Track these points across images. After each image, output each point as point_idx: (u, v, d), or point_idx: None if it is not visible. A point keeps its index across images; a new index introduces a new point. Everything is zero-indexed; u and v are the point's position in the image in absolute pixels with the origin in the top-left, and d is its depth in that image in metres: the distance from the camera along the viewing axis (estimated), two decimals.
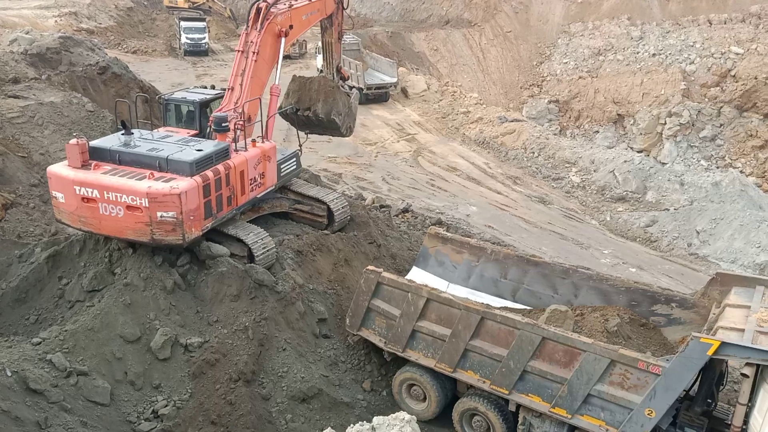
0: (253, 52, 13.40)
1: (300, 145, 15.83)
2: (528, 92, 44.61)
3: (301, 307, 12.39)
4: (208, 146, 12.14)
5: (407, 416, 7.61)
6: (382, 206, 21.55)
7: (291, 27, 14.27)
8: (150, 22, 51.13)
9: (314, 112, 15.54)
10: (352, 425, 7.71)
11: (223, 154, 12.16)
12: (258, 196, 13.39)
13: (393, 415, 7.67)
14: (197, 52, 43.67)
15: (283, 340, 11.83)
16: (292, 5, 14.39)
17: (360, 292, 12.20)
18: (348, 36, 34.59)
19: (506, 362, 10.76)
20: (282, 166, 14.21)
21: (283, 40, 14.11)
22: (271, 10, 13.72)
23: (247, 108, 13.26)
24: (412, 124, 34.15)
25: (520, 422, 11.06)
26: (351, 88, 18.13)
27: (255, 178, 13.06)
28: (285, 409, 11.19)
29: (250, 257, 12.48)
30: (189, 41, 43.67)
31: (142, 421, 10.38)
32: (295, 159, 14.98)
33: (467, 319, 11.06)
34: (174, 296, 11.71)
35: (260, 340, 11.60)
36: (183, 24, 44.71)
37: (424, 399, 12.03)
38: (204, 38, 44.19)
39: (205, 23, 45.77)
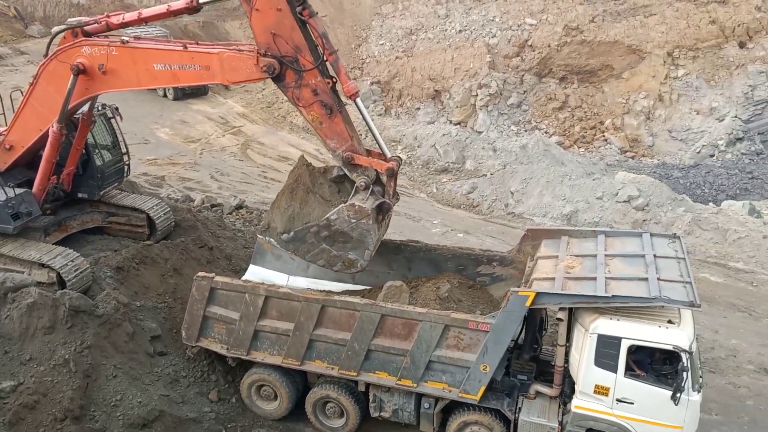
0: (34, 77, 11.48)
1: (127, 152, 14.48)
2: (350, 75, 45.31)
3: (129, 328, 11.49)
4: None
5: None
6: (213, 205, 20.67)
7: (104, 72, 10.80)
8: None
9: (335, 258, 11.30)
10: None
11: None
12: None
13: None
14: None
15: (112, 367, 10.90)
16: (125, 41, 10.86)
17: (193, 301, 11.59)
18: (154, 28, 32.44)
19: (351, 345, 10.88)
20: None
21: (74, 79, 10.88)
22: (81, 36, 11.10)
23: (13, 135, 11.76)
24: (236, 116, 33.07)
25: (371, 400, 11.31)
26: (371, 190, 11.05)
27: None
28: None
29: (61, 283, 11.29)
30: None
31: None
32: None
33: (308, 309, 10.99)
34: None
35: (85, 371, 10.59)
36: None
37: (275, 397, 11.82)
38: None
39: None
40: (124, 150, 14.24)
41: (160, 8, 11.13)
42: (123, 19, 11.26)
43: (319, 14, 10.44)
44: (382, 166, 10.75)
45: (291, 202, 11.63)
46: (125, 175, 14.50)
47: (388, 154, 11.01)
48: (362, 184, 10.80)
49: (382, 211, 11.00)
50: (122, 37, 11.11)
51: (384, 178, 10.94)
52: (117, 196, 14.22)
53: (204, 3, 10.68)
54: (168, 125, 30.20)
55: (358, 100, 10.63)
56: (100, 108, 13.31)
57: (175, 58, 10.63)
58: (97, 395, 10.60)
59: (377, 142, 11.11)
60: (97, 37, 11.24)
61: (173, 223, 14.51)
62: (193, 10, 10.67)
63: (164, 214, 14.16)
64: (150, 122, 29.58)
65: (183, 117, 31.20)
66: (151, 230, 14.02)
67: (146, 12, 11.17)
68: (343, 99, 10.85)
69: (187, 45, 10.74)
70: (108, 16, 11.33)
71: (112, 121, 13.94)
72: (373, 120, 11.22)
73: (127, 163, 14.34)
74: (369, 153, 11.13)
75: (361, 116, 11.06)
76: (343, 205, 10.78)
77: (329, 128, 10.62)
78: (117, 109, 13.93)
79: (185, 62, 10.57)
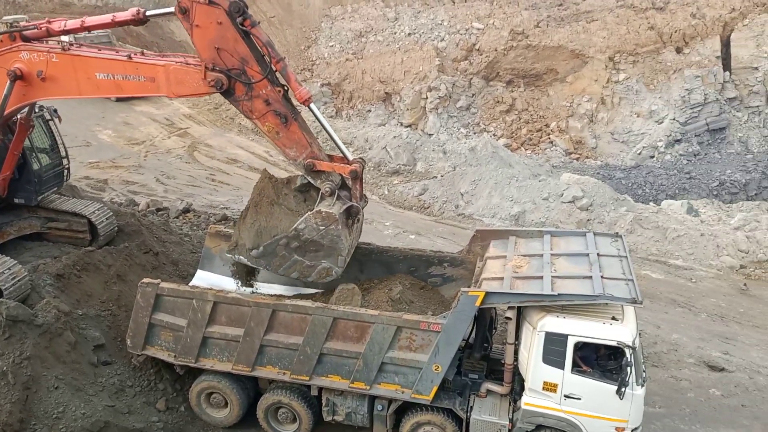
0: None
1: (66, 155, 13.90)
2: (300, 77, 45.00)
3: (71, 337, 11.05)
4: None
5: None
6: (158, 209, 20.15)
7: (43, 79, 10.34)
8: None
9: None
10: None
11: None
12: None
13: None
14: None
15: (53, 378, 10.45)
16: (66, 47, 10.37)
17: (138, 308, 11.25)
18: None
19: (303, 349, 10.78)
20: None
21: (11, 85, 10.34)
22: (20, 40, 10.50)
23: None
24: (182, 117, 32.34)
25: (324, 404, 11.22)
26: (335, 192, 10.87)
27: None
28: None
29: None
30: None
31: None
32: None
33: (258, 314, 10.82)
34: None
35: (24, 383, 10.11)
36: None
37: (226, 405, 11.59)
38: None
39: None
40: (63, 153, 13.73)
41: (105, 18, 10.78)
42: (64, 26, 10.77)
43: (260, 22, 10.31)
44: (345, 170, 10.66)
45: (256, 216, 11.33)
46: (65, 179, 13.99)
47: (350, 157, 10.92)
48: (327, 189, 10.64)
49: (351, 215, 10.86)
50: (63, 43, 10.69)
51: (349, 182, 10.84)
52: (56, 200, 13.71)
53: (151, 15, 10.39)
54: (110, 127, 29.31)
55: (312, 105, 10.48)
56: (37, 110, 12.79)
57: (119, 68, 10.30)
58: (37, 408, 10.16)
59: (337, 146, 10.99)
60: (37, 42, 10.78)
61: (116, 228, 14.08)
62: (139, 21, 10.36)
63: (106, 218, 13.73)
64: (92, 124, 28.63)
65: (126, 118, 30.32)
66: (93, 236, 13.57)
67: (90, 21, 10.77)
68: (297, 106, 10.72)
69: (132, 55, 10.39)
70: (49, 22, 10.87)
71: (51, 123, 13.43)
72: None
73: (66, 166, 13.84)
74: (331, 158, 11.00)
75: (317, 121, 10.95)
76: (309, 213, 10.57)
77: (286, 137, 10.46)
78: (56, 111, 13.41)
79: (129, 73, 10.26)
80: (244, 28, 9.87)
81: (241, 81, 10.05)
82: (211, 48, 9.87)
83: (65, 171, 13.85)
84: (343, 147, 11.00)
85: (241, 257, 11.31)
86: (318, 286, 12.12)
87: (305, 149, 10.56)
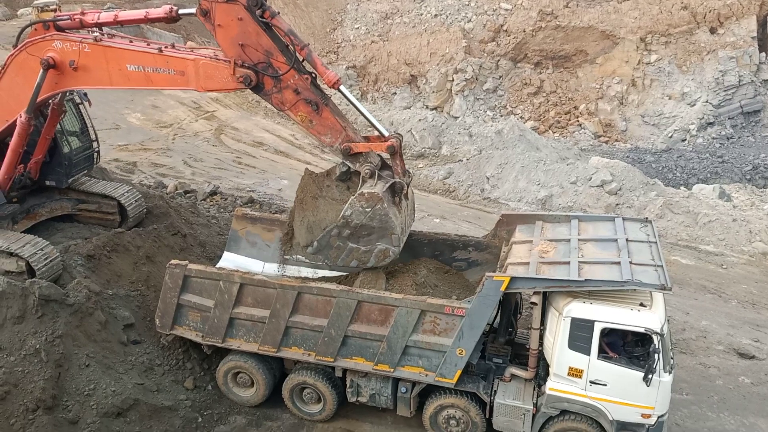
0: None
1: (96, 138, 14.14)
2: (326, 59, 44.85)
3: (102, 316, 11.30)
4: None
5: None
6: (186, 192, 20.37)
7: (75, 68, 10.50)
8: None
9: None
10: None
11: None
12: None
13: None
14: None
15: (84, 356, 10.74)
16: (99, 38, 10.50)
17: (166, 289, 11.44)
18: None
19: (327, 331, 10.86)
20: None
21: (44, 73, 10.47)
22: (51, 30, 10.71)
23: None
24: (209, 101, 32.51)
25: (348, 385, 11.33)
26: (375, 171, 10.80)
27: None
28: (98, 429, 10.25)
29: (30, 272, 11.04)
30: None
31: None
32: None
33: (284, 296, 10.93)
34: None
35: (57, 360, 10.42)
36: None
37: (252, 384, 11.78)
38: None
39: None
40: (93, 136, 13.91)
41: (138, 13, 10.93)
42: (98, 18, 10.93)
43: (284, 7, 10.33)
44: (382, 146, 10.56)
45: (303, 213, 11.34)
46: (95, 161, 14.20)
47: (386, 134, 10.81)
48: (367, 171, 10.58)
49: (396, 192, 10.74)
50: (95, 34, 10.82)
51: (389, 160, 10.76)
52: (87, 183, 13.92)
53: (184, 14, 10.51)
54: (139, 110, 29.61)
55: (342, 87, 10.41)
56: (68, 94, 12.99)
57: (149, 60, 10.39)
58: (69, 385, 10.45)
59: (371, 124, 10.89)
60: (69, 32, 10.94)
61: (145, 210, 14.26)
62: (171, 19, 10.51)
63: (135, 200, 13.91)
64: (121, 107, 28.97)
65: (154, 102, 30.58)
66: (122, 217, 13.76)
67: (123, 15, 10.96)
68: (326, 90, 10.69)
69: (163, 48, 10.49)
70: (83, 14, 11.03)
71: (81, 107, 13.61)
72: (348, 105, 11.10)
73: (96, 149, 14.03)
74: (367, 139, 10.93)
75: (350, 104, 10.86)
76: (353, 197, 10.55)
77: (320, 124, 10.45)
78: (86, 94, 13.58)
79: (159, 66, 10.36)
80: (265, 20, 9.87)
81: (269, 75, 10.07)
82: (235, 45, 9.92)
83: (95, 154, 14.05)
84: (377, 124, 10.90)
85: (299, 257, 11.33)
86: (322, 264, 11.96)
87: (340, 134, 10.52)
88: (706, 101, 35.15)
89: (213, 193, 20.97)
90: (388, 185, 10.60)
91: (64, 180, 13.21)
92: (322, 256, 11.12)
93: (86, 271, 11.91)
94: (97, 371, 10.71)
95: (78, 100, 13.48)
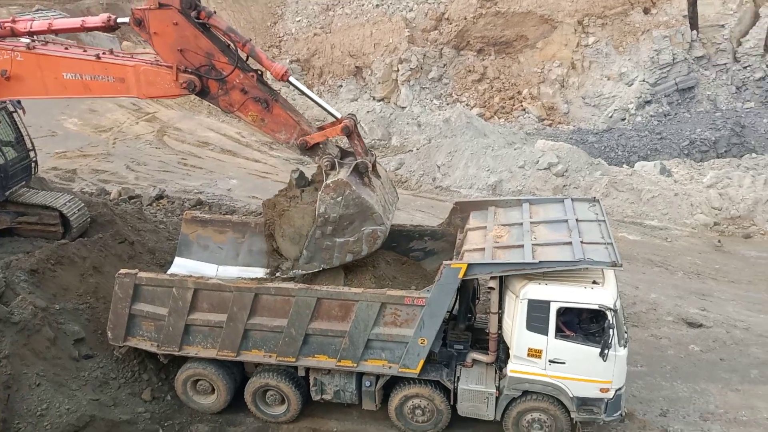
0: None
1: (33, 147, 13.47)
2: (269, 54, 44.15)
3: (50, 333, 10.87)
4: None
5: None
6: (131, 197, 19.77)
7: (8, 78, 10.03)
8: None
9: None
10: None
11: None
12: None
13: None
14: None
15: (34, 375, 10.30)
16: (32, 46, 10.10)
17: (117, 299, 11.08)
18: (54, 13, 30.33)
19: (288, 331, 10.75)
20: None
21: None
22: None
23: None
24: (149, 102, 31.38)
25: (311, 384, 11.26)
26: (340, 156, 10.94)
27: None
28: None
29: None
30: None
31: None
32: None
33: (241, 299, 10.74)
34: None
35: (4, 382, 9.97)
36: None
37: (213, 391, 11.56)
38: None
39: None
40: (29, 145, 13.36)
41: (74, 21, 10.49)
42: (30, 27, 10.39)
43: (217, 10, 10.10)
44: (337, 130, 10.39)
45: (281, 230, 11.07)
46: (33, 172, 13.62)
47: (339, 116, 10.64)
48: (326, 164, 10.41)
49: (362, 172, 10.51)
50: (27, 41, 10.30)
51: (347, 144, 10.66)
52: (26, 194, 13.40)
53: (122, 23, 10.08)
54: (76, 115, 28.52)
55: (291, 78, 10.22)
56: (0, 103, 12.37)
57: (87, 68, 10.01)
58: (20, 406, 10.02)
59: (324, 109, 10.77)
60: (0, 40, 10.39)
61: (89, 219, 13.80)
62: (109, 28, 10.12)
63: (78, 210, 13.45)
64: (56, 113, 27.81)
65: (92, 106, 29.51)
66: (65, 228, 13.30)
67: (57, 24, 10.47)
68: (275, 85, 10.51)
69: (101, 54, 10.05)
70: (14, 21, 10.47)
71: (15, 115, 13.00)
72: (294, 99, 10.98)
73: (33, 159, 13.48)
74: (322, 128, 10.77)
75: (300, 93, 10.71)
76: (320, 192, 10.37)
77: (272, 121, 10.25)
78: (19, 102, 12.97)
79: (98, 73, 9.97)
80: (201, 21, 9.60)
81: (213, 78, 9.78)
82: (174, 51, 9.64)
83: (32, 163, 13.49)
84: (330, 108, 10.79)
85: (296, 271, 11.06)
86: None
87: (294, 129, 10.35)
88: (643, 80, 36.25)
89: (159, 197, 20.40)
90: (351, 168, 10.47)
91: (1, 193, 12.63)
92: (317, 262, 10.89)
93: (30, 286, 11.41)
94: (49, 390, 10.29)
95: (11, 109, 12.90)
